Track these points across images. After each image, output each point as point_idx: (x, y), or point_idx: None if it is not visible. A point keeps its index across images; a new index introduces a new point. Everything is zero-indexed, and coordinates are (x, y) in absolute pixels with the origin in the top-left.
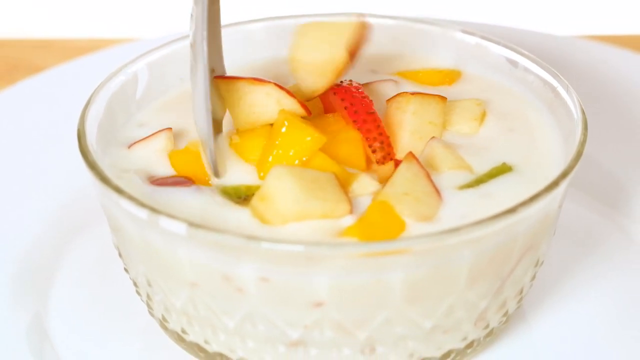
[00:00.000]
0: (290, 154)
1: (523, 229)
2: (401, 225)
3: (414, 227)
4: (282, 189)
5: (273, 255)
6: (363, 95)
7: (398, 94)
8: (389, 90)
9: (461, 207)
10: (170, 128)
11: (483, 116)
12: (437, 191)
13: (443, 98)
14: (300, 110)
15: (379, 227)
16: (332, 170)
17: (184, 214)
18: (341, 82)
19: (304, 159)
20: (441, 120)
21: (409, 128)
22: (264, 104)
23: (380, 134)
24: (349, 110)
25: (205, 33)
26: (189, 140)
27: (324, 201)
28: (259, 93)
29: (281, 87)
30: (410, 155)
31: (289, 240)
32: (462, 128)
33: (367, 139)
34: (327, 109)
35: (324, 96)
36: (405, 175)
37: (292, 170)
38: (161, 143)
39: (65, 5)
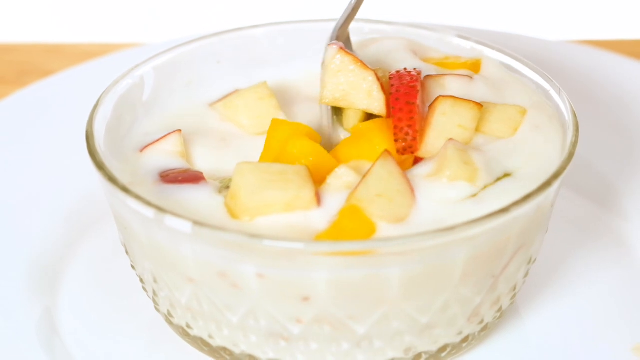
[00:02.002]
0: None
1: (516, 228)
2: (371, 229)
3: (386, 229)
4: (244, 183)
5: (265, 252)
6: (412, 84)
7: (436, 98)
8: (459, 85)
9: (436, 207)
10: (180, 130)
11: (520, 122)
12: (412, 190)
13: (479, 105)
14: (383, 110)
15: (350, 233)
16: (317, 157)
17: (188, 212)
18: (405, 69)
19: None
20: (473, 125)
21: (438, 128)
22: (357, 87)
23: (410, 125)
24: (392, 96)
25: (332, 116)
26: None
27: (285, 190)
28: (358, 75)
29: (379, 79)
30: (387, 152)
31: (285, 238)
32: (500, 134)
33: (395, 127)
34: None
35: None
36: (379, 174)
37: (254, 165)
38: (171, 145)
39: (74, 11)
